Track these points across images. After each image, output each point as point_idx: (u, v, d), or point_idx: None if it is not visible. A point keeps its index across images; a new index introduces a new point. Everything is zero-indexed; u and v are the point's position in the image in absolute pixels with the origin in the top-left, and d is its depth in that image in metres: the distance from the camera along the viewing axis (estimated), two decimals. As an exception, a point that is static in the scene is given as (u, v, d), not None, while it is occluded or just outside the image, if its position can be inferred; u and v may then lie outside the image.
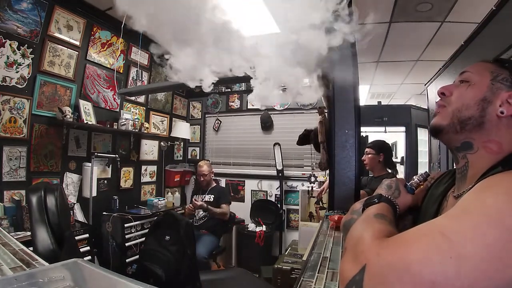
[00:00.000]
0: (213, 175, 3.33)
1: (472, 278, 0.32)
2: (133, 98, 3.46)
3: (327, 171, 1.89)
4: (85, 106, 2.80)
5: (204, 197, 3.17)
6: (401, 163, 4.32)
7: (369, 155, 2.32)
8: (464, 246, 0.34)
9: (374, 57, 3.95)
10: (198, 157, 4.44)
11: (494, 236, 0.33)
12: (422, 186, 0.75)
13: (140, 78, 3.50)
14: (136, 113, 3.55)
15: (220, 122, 4.38)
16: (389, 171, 2.30)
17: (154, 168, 3.88)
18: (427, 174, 0.74)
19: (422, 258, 0.35)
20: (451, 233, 0.36)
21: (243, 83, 4.19)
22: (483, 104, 0.56)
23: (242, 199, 4.13)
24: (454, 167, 0.65)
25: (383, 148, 2.33)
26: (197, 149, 4.51)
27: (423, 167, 4.19)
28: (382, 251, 0.39)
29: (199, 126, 4.52)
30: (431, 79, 3.58)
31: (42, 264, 0.77)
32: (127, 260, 2.81)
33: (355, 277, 0.40)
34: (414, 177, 0.75)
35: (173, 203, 3.69)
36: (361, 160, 1.78)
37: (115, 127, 3.12)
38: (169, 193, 3.90)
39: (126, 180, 3.44)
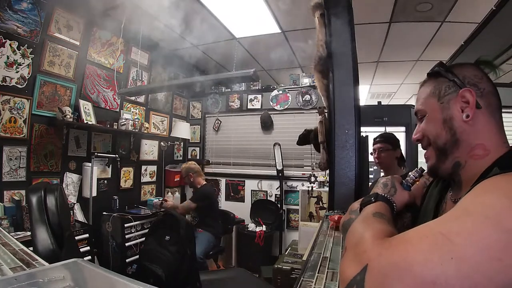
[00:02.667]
0: (194, 175, 3.15)
1: (472, 279, 0.32)
2: (133, 98, 3.46)
3: (327, 171, 1.88)
4: (85, 106, 2.80)
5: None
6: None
7: (385, 152, 1.86)
8: (465, 247, 0.34)
9: (374, 57, 3.95)
10: (198, 157, 4.44)
11: (494, 237, 0.34)
12: (418, 182, 0.75)
13: (140, 78, 3.50)
14: (136, 113, 3.55)
15: (220, 122, 4.38)
16: (403, 169, 1.89)
17: (154, 168, 3.88)
18: (422, 170, 0.74)
19: (423, 258, 0.35)
20: (452, 234, 0.36)
21: (243, 83, 4.18)
22: (447, 124, 0.58)
23: (242, 199, 4.13)
24: None
25: (398, 142, 1.89)
26: (197, 149, 4.51)
27: (423, 167, 4.18)
28: (384, 251, 0.39)
29: (199, 126, 4.52)
30: (431, 79, 3.57)
31: (42, 264, 0.77)
32: (127, 260, 2.81)
33: (356, 277, 0.40)
34: (410, 173, 0.75)
35: (173, 203, 3.68)
36: (361, 160, 1.58)
37: (115, 127, 3.12)
38: (169, 193, 3.90)
39: (126, 180, 3.44)
